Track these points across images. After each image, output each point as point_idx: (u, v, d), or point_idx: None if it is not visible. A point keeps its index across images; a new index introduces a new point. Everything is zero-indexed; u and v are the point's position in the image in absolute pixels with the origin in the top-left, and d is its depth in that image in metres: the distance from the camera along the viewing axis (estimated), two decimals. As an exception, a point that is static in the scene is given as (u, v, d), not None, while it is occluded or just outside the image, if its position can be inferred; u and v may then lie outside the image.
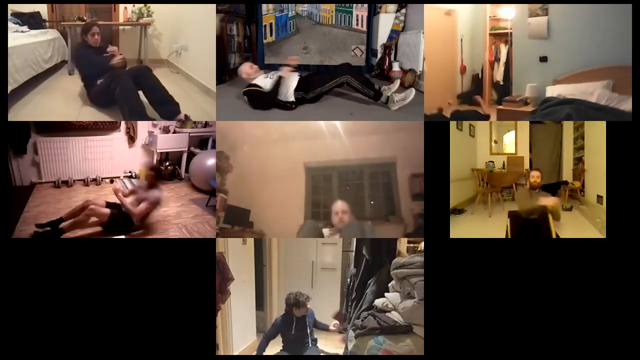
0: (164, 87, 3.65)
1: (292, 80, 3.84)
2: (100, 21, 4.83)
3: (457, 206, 4.48)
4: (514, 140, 5.76)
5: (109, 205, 3.68)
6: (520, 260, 2.63)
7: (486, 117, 3.90)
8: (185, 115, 3.63)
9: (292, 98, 3.80)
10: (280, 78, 3.80)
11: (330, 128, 4.07)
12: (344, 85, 3.86)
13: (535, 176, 3.42)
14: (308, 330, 3.22)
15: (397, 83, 3.94)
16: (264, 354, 3.12)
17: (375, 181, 4.19)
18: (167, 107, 3.58)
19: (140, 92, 3.58)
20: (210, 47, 3.89)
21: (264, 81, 3.86)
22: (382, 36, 5.27)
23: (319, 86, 3.80)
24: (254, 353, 3.64)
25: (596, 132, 4.18)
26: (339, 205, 3.02)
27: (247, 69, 4.03)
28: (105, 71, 3.73)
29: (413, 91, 3.69)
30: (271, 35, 5.83)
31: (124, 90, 3.48)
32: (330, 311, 4.06)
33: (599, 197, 4.07)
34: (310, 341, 3.22)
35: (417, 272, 2.63)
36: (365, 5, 5.53)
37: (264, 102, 3.82)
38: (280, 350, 3.21)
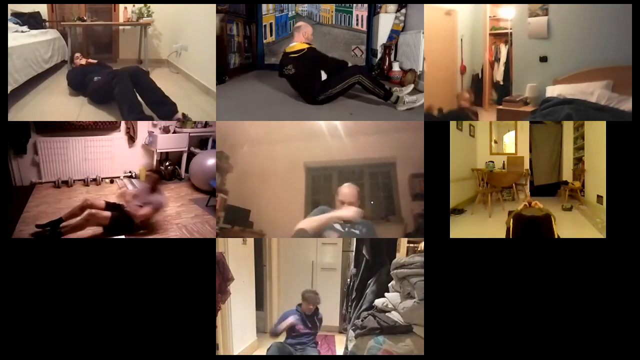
0: (159, 88, 3.65)
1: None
2: (100, 21, 4.86)
3: (457, 206, 4.48)
4: (514, 140, 5.76)
5: (108, 205, 3.67)
6: (520, 260, 2.63)
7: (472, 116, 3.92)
8: (183, 114, 3.63)
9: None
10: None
11: (330, 128, 4.08)
12: (355, 86, 3.85)
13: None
14: (318, 329, 3.33)
15: (410, 87, 3.93)
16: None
17: (375, 181, 4.20)
18: (163, 107, 3.58)
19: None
20: (210, 47, 3.89)
21: None
22: (382, 36, 5.27)
23: (329, 88, 3.80)
24: (255, 353, 3.66)
25: (596, 132, 4.19)
26: (347, 194, 2.45)
27: (311, 30, 3.97)
28: (87, 72, 3.89)
29: (423, 97, 3.69)
30: (271, 35, 5.84)
31: (123, 89, 3.49)
32: (330, 311, 4.07)
33: (599, 197, 4.07)
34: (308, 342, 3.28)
35: (417, 272, 2.62)
36: (365, 5, 5.53)
37: (317, 61, 3.84)
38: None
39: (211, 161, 5.13)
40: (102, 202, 3.68)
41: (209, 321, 2.65)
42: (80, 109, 3.70)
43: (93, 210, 3.49)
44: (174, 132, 5.83)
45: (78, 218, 3.50)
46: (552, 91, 3.71)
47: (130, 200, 3.72)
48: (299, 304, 3.36)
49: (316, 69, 3.86)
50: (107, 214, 3.52)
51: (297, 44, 3.87)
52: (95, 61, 4.26)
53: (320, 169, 4.35)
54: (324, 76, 3.91)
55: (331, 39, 5.74)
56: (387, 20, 5.22)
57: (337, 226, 2.52)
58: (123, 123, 5.68)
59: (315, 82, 3.82)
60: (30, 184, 5.20)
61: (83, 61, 4.16)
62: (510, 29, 4.45)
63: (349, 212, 2.35)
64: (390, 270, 2.80)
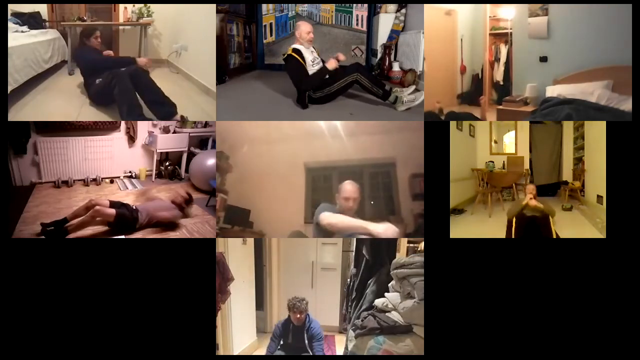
0: (159, 88, 3.64)
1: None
2: (100, 21, 4.85)
3: (457, 206, 4.48)
4: (514, 140, 5.76)
5: (112, 204, 3.67)
6: (520, 260, 2.63)
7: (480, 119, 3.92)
8: (182, 117, 3.63)
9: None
10: (324, 68, 3.80)
11: (330, 128, 4.07)
12: (353, 85, 3.84)
13: (531, 190, 3.34)
14: (305, 345, 3.14)
15: (412, 89, 3.91)
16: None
17: (375, 181, 4.19)
18: (163, 108, 3.57)
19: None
20: (210, 47, 3.89)
21: (308, 54, 3.84)
22: (382, 36, 5.27)
23: (326, 86, 3.79)
24: (255, 353, 3.66)
25: (596, 132, 4.18)
26: (350, 190, 2.68)
27: (310, 29, 3.88)
28: (105, 68, 3.76)
29: (422, 94, 3.69)
30: (271, 35, 5.84)
31: (122, 89, 3.48)
32: (330, 311, 4.07)
33: (599, 197, 4.07)
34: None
35: (417, 272, 2.63)
36: (365, 5, 5.54)
37: (299, 74, 3.75)
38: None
39: (211, 161, 5.13)
40: (106, 201, 3.68)
41: (209, 321, 2.65)
42: (80, 109, 3.70)
43: (99, 207, 3.50)
44: (174, 132, 5.83)
45: (84, 216, 3.52)
46: (552, 91, 3.71)
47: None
48: (288, 315, 3.23)
49: (295, 75, 3.83)
50: (112, 210, 3.53)
51: (288, 49, 3.89)
52: (112, 54, 4.13)
53: (320, 169, 4.35)
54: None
55: (331, 39, 5.74)
56: (387, 20, 5.23)
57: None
58: (123, 123, 5.68)
59: (298, 89, 3.81)
60: (30, 184, 5.20)
61: (105, 53, 4.03)
62: (510, 29, 4.45)
63: (382, 229, 2.29)
64: (390, 270, 2.81)
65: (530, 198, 3.26)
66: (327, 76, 3.81)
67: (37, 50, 4.00)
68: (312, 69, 3.83)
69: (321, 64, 3.90)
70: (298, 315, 3.15)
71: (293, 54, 3.79)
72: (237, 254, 3.49)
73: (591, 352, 2.56)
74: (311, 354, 3.12)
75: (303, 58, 3.79)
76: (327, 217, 2.48)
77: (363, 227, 2.32)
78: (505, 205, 4.68)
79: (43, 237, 3.34)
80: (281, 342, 3.20)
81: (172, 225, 3.83)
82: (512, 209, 3.30)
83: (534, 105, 3.92)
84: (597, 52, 3.58)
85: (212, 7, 3.89)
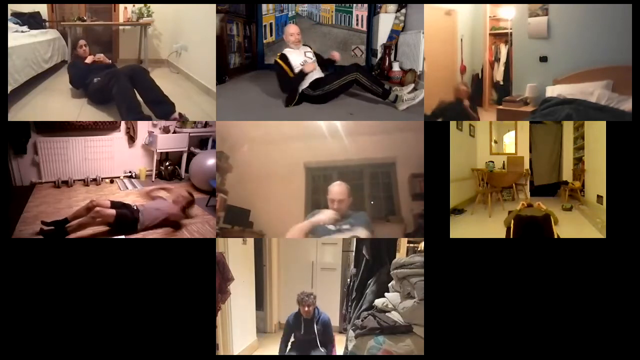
0: (158, 87, 3.65)
1: (314, 75, 3.89)
2: (100, 21, 4.86)
3: (457, 206, 4.48)
4: (514, 140, 5.76)
5: (113, 204, 3.67)
6: (520, 260, 2.63)
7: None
8: (180, 114, 3.62)
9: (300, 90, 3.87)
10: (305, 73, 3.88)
11: (330, 128, 4.07)
12: (353, 84, 3.85)
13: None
14: (316, 335, 3.17)
15: (410, 87, 3.91)
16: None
17: (375, 181, 4.19)
18: (162, 107, 3.58)
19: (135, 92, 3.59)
20: (210, 47, 3.89)
21: (296, 58, 3.90)
22: (382, 36, 5.27)
23: (325, 85, 3.80)
24: (255, 353, 3.66)
25: (596, 132, 4.19)
26: (336, 192, 2.77)
27: (294, 30, 3.98)
28: (90, 72, 3.85)
29: (422, 92, 3.69)
30: (271, 35, 5.84)
31: (121, 89, 3.49)
32: (330, 311, 4.06)
33: (599, 197, 4.07)
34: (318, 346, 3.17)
35: (417, 272, 2.63)
36: (365, 5, 5.54)
37: (285, 83, 3.87)
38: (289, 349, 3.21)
39: (211, 161, 5.13)
40: (107, 202, 3.68)
41: (209, 321, 2.65)
42: (80, 109, 3.70)
43: (99, 208, 3.49)
44: (174, 132, 5.83)
45: (84, 217, 3.50)
46: (552, 91, 3.71)
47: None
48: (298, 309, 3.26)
49: (280, 81, 3.95)
50: (112, 211, 3.52)
51: (277, 55, 3.95)
52: (100, 58, 4.18)
53: (320, 169, 4.34)
54: (318, 74, 3.91)
55: (331, 39, 5.74)
56: (387, 20, 5.23)
57: (331, 227, 2.60)
58: (123, 123, 5.68)
59: (285, 93, 3.90)
60: (30, 184, 5.20)
61: (89, 59, 4.08)
62: (510, 29, 4.45)
63: (323, 216, 2.67)
64: (390, 270, 2.81)
65: (523, 205, 3.27)
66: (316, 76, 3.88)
67: (37, 50, 4.01)
68: (299, 59, 3.89)
69: (315, 63, 3.95)
70: (307, 308, 3.19)
71: (279, 60, 3.87)
72: (237, 254, 3.49)
73: (591, 352, 2.56)
74: (319, 345, 3.15)
75: (289, 62, 3.84)
76: (288, 235, 2.65)
77: (310, 223, 2.63)
78: (506, 206, 4.68)
79: (41, 236, 3.33)
80: (292, 338, 3.23)
81: (174, 225, 3.83)
82: (508, 218, 3.31)
83: (534, 105, 3.92)
84: (597, 52, 3.58)
85: (212, 7, 3.90)
